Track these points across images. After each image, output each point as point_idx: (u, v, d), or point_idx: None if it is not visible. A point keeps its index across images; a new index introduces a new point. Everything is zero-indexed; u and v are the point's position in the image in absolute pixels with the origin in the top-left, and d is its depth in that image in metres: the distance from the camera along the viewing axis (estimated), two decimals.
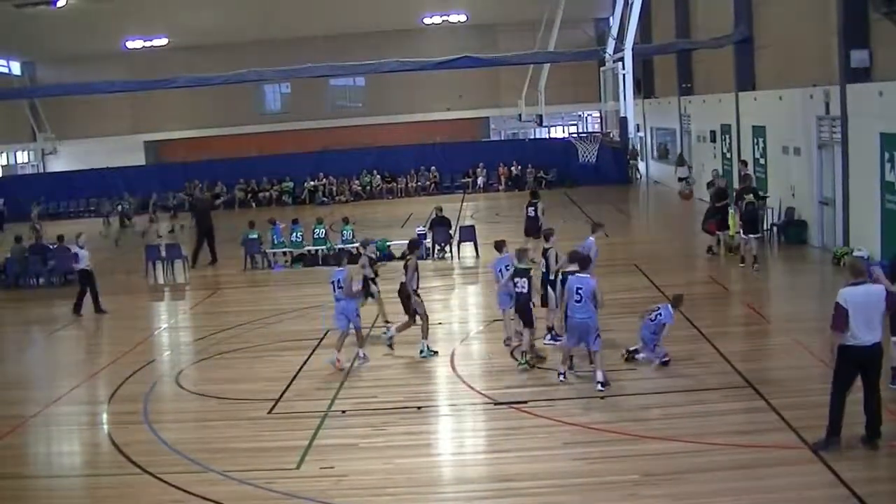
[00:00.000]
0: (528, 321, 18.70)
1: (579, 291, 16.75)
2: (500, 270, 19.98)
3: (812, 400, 15.46)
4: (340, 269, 19.82)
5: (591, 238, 21.46)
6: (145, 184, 57.23)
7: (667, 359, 17.99)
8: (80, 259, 27.33)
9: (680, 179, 53.63)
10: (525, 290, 18.53)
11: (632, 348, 18.65)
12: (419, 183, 58.64)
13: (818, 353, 18.13)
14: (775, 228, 31.82)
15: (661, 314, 18.36)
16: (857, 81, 26.75)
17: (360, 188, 57.28)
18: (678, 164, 54.39)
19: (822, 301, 23.91)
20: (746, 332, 20.21)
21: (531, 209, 30.14)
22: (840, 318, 13.12)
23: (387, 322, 22.23)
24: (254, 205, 57.25)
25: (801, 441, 13.57)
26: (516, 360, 18.83)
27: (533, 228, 29.41)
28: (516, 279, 18.53)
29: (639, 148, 58.15)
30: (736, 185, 32.69)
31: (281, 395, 17.76)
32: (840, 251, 26.85)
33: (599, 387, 16.69)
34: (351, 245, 33.15)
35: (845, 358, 13.22)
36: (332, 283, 19.62)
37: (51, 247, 34.15)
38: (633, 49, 34.02)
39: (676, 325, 20.18)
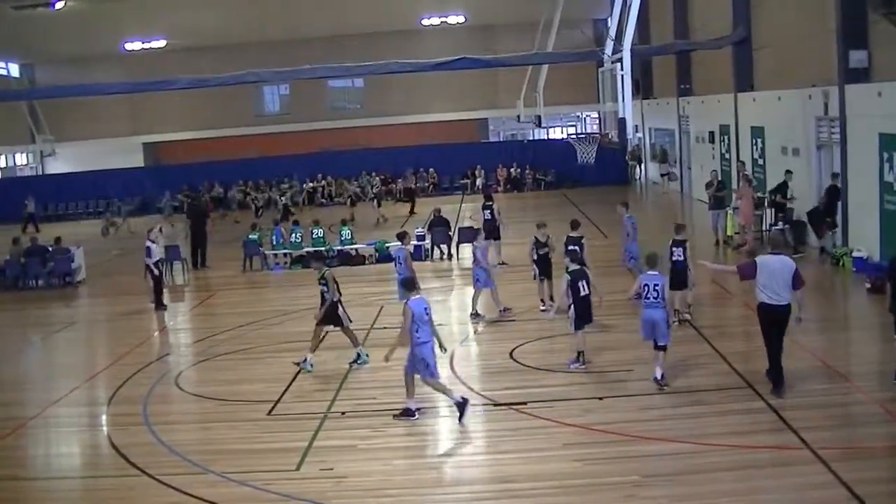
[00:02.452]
0: (588, 318, 18.86)
1: (656, 288, 16.85)
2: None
3: (811, 400, 15.53)
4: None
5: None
6: (143, 186, 57.39)
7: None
8: (153, 253, 27.70)
9: (662, 175, 53.91)
10: (587, 293, 18.58)
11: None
12: (418, 184, 58.58)
13: (819, 354, 18.18)
14: (773, 229, 31.82)
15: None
16: (856, 82, 26.77)
17: (358, 189, 57.20)
18: (660, 160, 54.60)
19: (822, 302, 23.98)
20: (746, 333, 20.17)
21: (487, 211, 31.55)
22: (748, 267, 16.48)
23: None
24: (253, 206, 57.20)
25: (800, 441, 13.56)
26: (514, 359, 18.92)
27: (491, 229, 30.47)
28: (579, 282, 18.52)
29: (640, 149, 58.16)
30: (735, 185, 32.85)
31: (280, 397, 17.77)
32: (839, 252, 26.86)
33: (657, 382, 16.79)
34: (350, 246, 33.23)
35: (763, 314, 16.18)
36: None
37: (49, 248, 34.15)
38: (631, 50, 33.94)
39: (676, 326, 20.23)
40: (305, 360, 19.45)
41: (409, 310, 15.77)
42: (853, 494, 11.78)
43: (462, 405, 15.77)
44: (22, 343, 25.75)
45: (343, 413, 16.64)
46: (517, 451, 14.31)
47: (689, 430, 14.43)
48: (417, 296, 16.24)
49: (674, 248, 20.80)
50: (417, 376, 16.18)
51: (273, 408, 17.18)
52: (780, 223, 29.26)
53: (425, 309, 15.99)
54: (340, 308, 19.82)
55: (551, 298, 23.04)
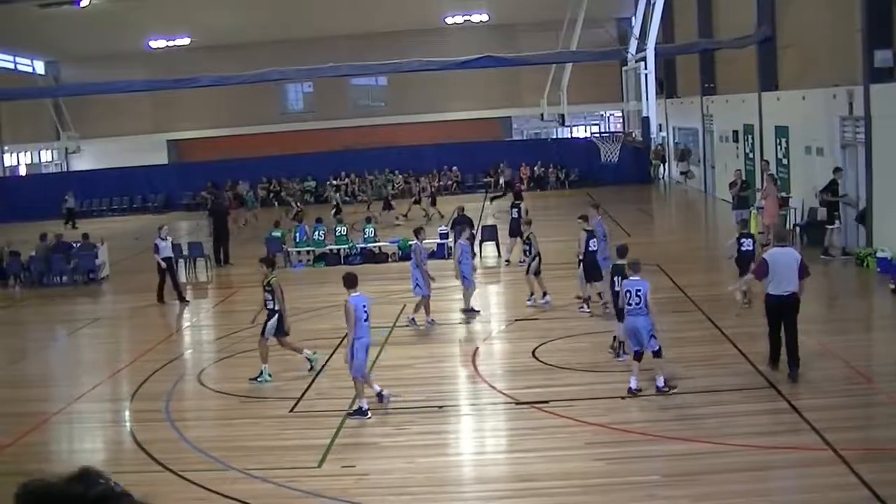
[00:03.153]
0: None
1: (638, 294, 16.63)
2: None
3: (834, 401, 15.48)
4: None
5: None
6: (167, 183, 57.81)
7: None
8: (161, 249, 28.20)
9: (682, 173, 53.78)
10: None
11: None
12: (441, 182, 58.57)
13: (841, 355, 18.11)
14: (798, 229, 31.66)
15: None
16: (881, 81, 26.61)
17: (381, 187, 57.20)
18: (679, 158, 54.45)
19: (845, 302, 23.91)
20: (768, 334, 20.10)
21: (514, 210, 31.66)
22: (761, 267, 17.34)
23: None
24: (276, 204, 57.37)
25: (823, 442, 13.50)
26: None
27: (516, 229, 30.37)
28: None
29: (664, 149, 58.03)
30: (759, 185, 32.75)
31: (302, 394, 17.81)
32: (863, 252, 26.72)
33: (659, 391, 16.46)
34: (373, 244, 33.27)
35: (770, 305, 17.16)
36: None
37: (73, 245, 34.36)
38: (655, 49, 33.96)
39: (697, 326, 20.24)
40: (261, 373, 18.87)
41: (350, 306, 16.15)
42: (876, 496, 11.71)
43: (364, 411, 16.17)
44: (46, 339, 25.90)
45: None
46: (539, 449, 14.30)
47: (710, 430, 14.39)
48: (357, 293, 16.48)
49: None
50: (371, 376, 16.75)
51: (295, 405, 17.21)
52: (837, 222, 28.59)
53: (364, 306, 16.36)
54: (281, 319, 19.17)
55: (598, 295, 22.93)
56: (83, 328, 26.12)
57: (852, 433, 13.96)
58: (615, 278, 18.31)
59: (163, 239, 28.54)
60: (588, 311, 23.02)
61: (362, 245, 33.71)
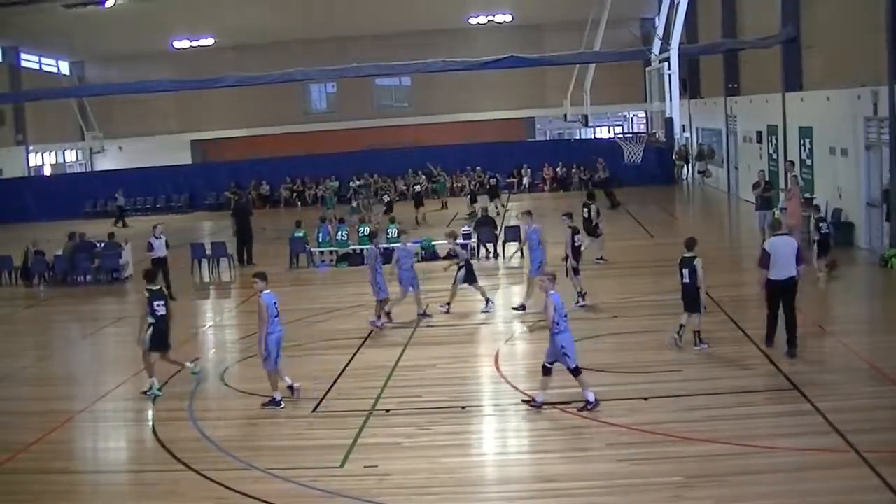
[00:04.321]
0: (689, 306, 19.37)
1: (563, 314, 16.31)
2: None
3: (858, 403, 15.39)
4: None
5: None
6: (191, 183, 58.26)
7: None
8: (155, 248, 28.68)
9: (699, 172, 53.65)
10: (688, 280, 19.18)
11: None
12: (462, 183, 58.46)
13: (866, 357, 18.02)
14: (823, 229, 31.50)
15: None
16: None
17: (405, 188, 57.22)
18: (697, 157, 54.32)
19: (870, 304, 23.80)
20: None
21: (585, 210, 30.90)
22: (763, 258, 18.44)
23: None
24: (299, 203, 57.55)
25: (847, 444, 13.43)
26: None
27: (588, 229, 30.12)
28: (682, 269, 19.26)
29: (687, 149, 57.86)
30: (782, 185, 32.63)
31: (325, 394, 17.82)
32: (888, 253, 26.58)
33: (589, 405, 15.95)
34: (396, 244, 33.26)
35: (770, 289, 18.38)
36: None
37: (97, 245, 34.52)
38: (679, 49, 33.84)
39: (721, 327, 20.18)
40: (151, 387, 18.54)
41: (262, 303, 17.15)
42: None
43: (277, 401, 17.13)
44: (70, 338, 26.01)
45: (388, 411, 16.65)
46: (561, 450, 14.29)
47: (734, 432, 14.32)
48: (269, 290, 17.52)
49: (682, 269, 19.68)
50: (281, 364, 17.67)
51: (318, 405, 17.22)
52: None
53: (274, 303, 17.41)
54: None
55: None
56: (107, 327, 26.21)
57: (876, 435, 13.86)
58: (683, 271, 19.19)
59: (157, 237, 28.99)
60: (584, 304, 23.91)
61: (385, 245, 33.71)
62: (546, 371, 16.20)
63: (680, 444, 14.03)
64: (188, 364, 19.41)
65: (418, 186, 50.83)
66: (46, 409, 18.21)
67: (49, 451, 15.73)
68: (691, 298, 19.16)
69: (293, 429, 16.08)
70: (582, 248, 25.35)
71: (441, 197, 53.30)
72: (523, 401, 16.49)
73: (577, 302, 23.85)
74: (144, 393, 18.56)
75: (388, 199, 50.30)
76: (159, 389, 18.60)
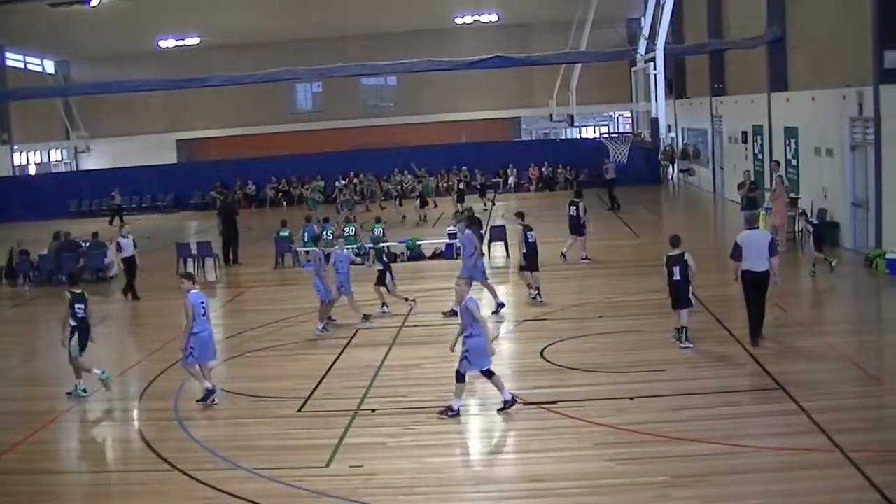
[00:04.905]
0: (677, 303, 19.63)
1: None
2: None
3: (844, 403, 15.43)
4: None
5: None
6: (176, 182, 58.20)
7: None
8: (124, 247, 29.13)
9: (682, 171, 53.77)
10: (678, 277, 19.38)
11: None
12: (450, 183, 58.45)
13: (851, 357, 18.07)
14: (807, 229, 31.60)
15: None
16: (891, 82, 26.55)
17: (391, 187, 57.13)
18: (681, 156, 54.44)
19: (855, 304, 23.85)
20: (778, 335, 20.06)
21: (573, 208, 30.68)
22: (735, 251, 19.21)
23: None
24: (285, 203, 57.49)
25: (832, 444, 13.46)
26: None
27: (576, 227, 30.18)
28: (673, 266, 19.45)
29: (673, 149, 57.91)
30: (768, 185, 32.70)
31: (311, 394, 17.81)
32: (873, 253, 26.65)
33: (507, 404, 16.11)
34: (383, 243, 33.23)
35: (745, 280, 19.08)
36: None
37: (82, 244, 34.44)
38: (664, 49, 33.92)
39: (707, 327, 20.22)
40: (76, 387, 18.74)
41: (189, 302, 17.63)
42: (885, 498, 11.67)
43: (209, 393, 17.57)
44: (55, 338, 25.87)
45: (373, 410, 16.64)
46: (547, 450, 14.29)
47: (720, 431, 14.34)
48: (196, 290, 18.03)
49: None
50: (211, 362, 18.54)
51: (303, 405, 17.21)
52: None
53: (201, 302, 17.96)
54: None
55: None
56: (92, 327, 26.05)
57: (861, 435, 13.90)
58: (672, 268, 19.34)
59: (124, 237, 29.47)
60: (540, 299, 24.56)
61: (370, 245, 33.66)
62: (489, 374, 16.24)
63: (666, 443, 14.04)
64: (94, 371, 19.06)
65: (421, 186, 50.77)
66: (32, 410, 18.18)
67: (35, 452, 15.69)
68: (681, 295, 19.23)
69: (279, 428, 16.06)
70: (565, 250, 25.51)
71: (428, 197, 53.26)
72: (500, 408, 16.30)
73: (534, 297, 24.65)
74: (69, 394, 18.70)
75: (417, 193, 49.83)
76: (84, 391, 18.75)
